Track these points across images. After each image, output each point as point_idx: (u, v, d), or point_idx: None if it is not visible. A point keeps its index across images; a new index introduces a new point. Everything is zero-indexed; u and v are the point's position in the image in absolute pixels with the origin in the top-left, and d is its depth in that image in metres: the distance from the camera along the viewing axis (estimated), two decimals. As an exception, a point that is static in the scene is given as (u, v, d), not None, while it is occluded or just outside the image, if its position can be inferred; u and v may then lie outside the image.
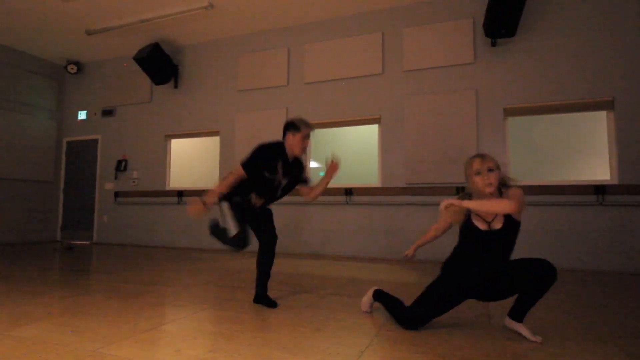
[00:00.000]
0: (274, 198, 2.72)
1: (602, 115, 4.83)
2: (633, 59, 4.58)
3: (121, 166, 7.32)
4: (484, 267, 2.05)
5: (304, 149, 2.61)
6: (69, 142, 8.02)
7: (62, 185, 7.95)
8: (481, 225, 2.04)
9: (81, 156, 7.84)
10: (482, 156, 2.05)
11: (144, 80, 7.07)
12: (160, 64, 6.62)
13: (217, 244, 2.64)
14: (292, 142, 2.59)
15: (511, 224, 2.00)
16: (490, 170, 2.00)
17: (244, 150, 6.44)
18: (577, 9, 4.84)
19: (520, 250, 2.16)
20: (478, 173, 2.01)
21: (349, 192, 5.70)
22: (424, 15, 5.53)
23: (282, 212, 6.18)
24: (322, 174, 3.29)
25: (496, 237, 2.02)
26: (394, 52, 5.68)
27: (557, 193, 4.74)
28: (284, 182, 2.67)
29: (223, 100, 6.69)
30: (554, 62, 4.90)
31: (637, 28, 4.59)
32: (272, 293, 2.77)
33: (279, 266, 4.39)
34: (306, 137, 2.61)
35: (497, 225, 2.02)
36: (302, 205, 5.94)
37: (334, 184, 6.52)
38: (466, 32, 5.26)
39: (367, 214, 5.63)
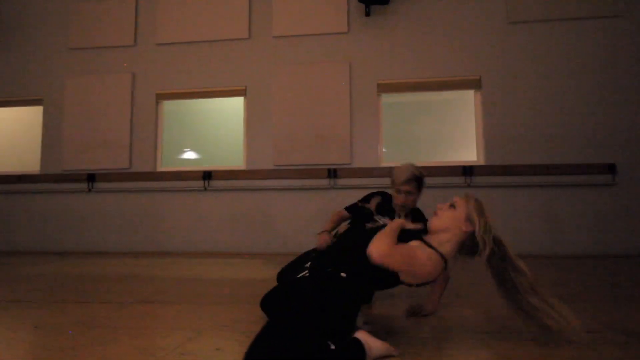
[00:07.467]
0: None
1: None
2: (499, 40, 4.52)
3: None
4: None
5: (402, 206, 2.19)
6: None
7: None
8: None
9: None
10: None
11: None
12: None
13: None
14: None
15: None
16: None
17: (75, 125, 5.13)
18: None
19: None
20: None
21: (207, 175, 4.77)
22: (295, -24, 4.89)
23: (124, 202, 5.02)
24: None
25: None
26: (262, 15, 4.92)
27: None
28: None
29: (49, 60, 5.21)
30: (427, 38, 4.64)
31: (504, 12, 4.55)
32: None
33: (111, 267, 3.38)
34: (401, 192, 2.17)
35: None
36: (151, 192, 4.83)
37: (189, 166, 5.55)
38: (339, -3, 4.76)
39: (229, 201, 4.76)
